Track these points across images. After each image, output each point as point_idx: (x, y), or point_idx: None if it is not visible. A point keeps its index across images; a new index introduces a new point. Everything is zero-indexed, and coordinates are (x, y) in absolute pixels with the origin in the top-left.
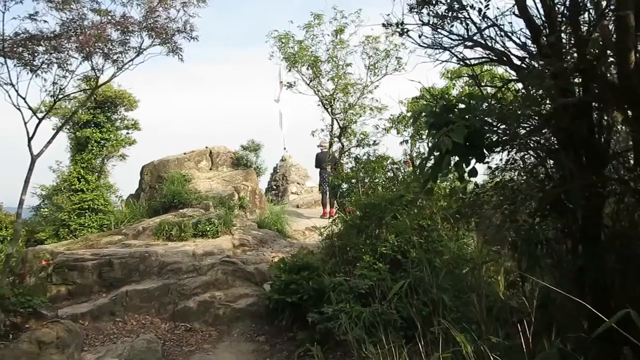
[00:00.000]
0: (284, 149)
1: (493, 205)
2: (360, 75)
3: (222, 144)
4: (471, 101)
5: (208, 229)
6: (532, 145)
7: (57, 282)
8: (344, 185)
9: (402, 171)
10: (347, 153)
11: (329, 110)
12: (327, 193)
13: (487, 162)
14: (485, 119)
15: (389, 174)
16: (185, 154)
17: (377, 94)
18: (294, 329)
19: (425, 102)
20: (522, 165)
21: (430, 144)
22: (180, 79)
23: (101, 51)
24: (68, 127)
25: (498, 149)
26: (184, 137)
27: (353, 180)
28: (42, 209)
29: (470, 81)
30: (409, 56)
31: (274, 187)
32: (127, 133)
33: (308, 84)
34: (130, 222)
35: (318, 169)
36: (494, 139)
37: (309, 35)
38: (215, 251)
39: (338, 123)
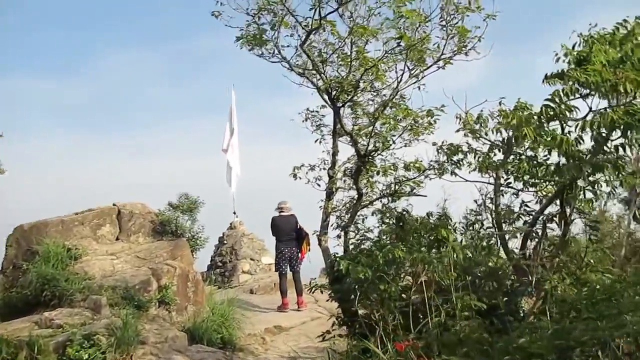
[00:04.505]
0: (234, 213)
1: None
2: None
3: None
4: None
5: (85, 357)
6: None
7: None
8: (361, 275)
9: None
10: (367, 208)
11: (338, 117)
12: (288, 275)
13: None
14: None
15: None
16: (77, 214)
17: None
18: None
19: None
20: None
21: None
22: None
23: None
24: None
25: None
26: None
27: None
28: None
29: None
30: (487, 24)
31: (220, 264)
32: None
33: (299, 47)
34: None
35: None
36: None
37: None
38: None
39: (356, 147)
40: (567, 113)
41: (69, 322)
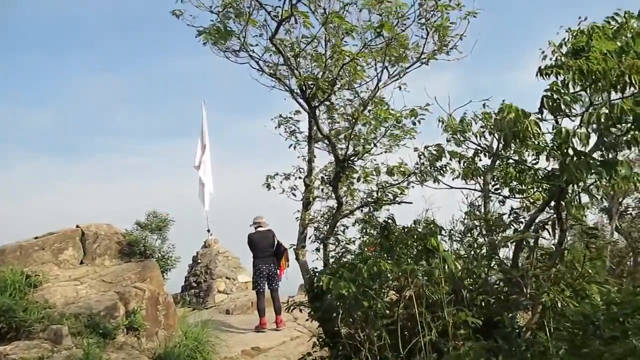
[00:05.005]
0: (208, 230)
1: None
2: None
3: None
4: None
5: None
6: None
7: None
8: (344, 290)
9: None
10: (348, 218)
11: (314, 119)
12: (266, 293)
13: None
14: None
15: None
16: (36, 238)
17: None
18: None
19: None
20: None
21: None
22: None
23: None
24: None
25: None
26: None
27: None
28: None
29: None
30: (469, 21)
31: (194, 285)
32: None
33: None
34: None
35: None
36: None
37: None
38: None
39: (334, 151)
40: (573, 104)
41: (25, 357)
